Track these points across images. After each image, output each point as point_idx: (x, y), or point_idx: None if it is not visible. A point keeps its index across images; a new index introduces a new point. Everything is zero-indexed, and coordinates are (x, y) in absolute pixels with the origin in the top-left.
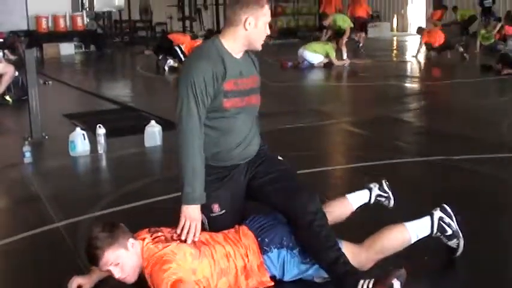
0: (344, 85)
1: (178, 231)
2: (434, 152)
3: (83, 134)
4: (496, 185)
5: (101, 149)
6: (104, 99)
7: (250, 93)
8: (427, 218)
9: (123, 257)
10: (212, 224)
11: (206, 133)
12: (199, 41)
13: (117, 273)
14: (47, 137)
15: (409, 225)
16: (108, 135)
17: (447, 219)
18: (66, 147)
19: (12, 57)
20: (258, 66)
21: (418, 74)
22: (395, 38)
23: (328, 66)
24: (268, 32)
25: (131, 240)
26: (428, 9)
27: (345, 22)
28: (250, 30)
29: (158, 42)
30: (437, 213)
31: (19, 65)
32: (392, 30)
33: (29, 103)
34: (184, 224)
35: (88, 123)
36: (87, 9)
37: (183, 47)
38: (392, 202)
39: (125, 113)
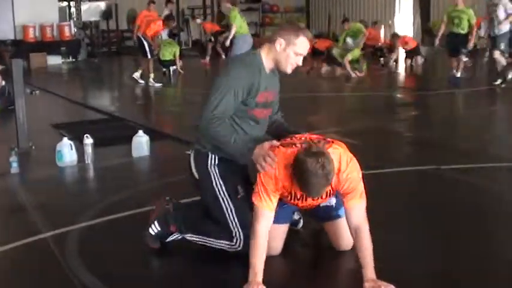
0: (332, 95)
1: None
2: (423, 162)
3: (70, 144)
4: (484, 194)
5: (88, 159)
6: (91, 109)
7: (270, 106)
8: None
9: None
10: (240, 205)
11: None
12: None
13: None
14: (33, 147)
15: None
16: (95, 145)
17: None
18: (53, 157)
19: None
20: (278, 83)
21: (406, 85)
22: None
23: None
24: (299, 63)
25: None
26: (416, 19)
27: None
28: (278, 51)
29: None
30: None
31: (6, 74)
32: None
33: (16, 113)
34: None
35: (75, 133)
36: (75, 18)
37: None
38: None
39: (112, 122)
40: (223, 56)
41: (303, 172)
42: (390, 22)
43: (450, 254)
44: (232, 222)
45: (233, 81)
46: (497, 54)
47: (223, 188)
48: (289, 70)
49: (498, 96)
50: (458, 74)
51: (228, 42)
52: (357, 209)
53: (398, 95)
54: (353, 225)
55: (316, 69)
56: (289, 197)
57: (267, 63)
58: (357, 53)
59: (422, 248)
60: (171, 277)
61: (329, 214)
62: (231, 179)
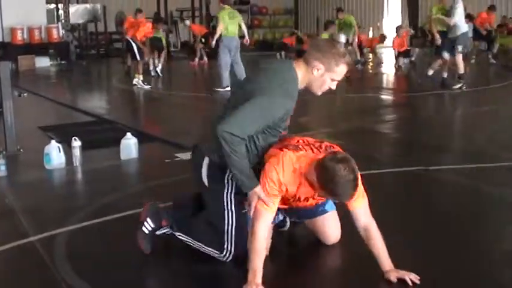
0: (320, 97)
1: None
2: (410, 163)
3: (58, 147)
4: (474, 195)
5: (76, 161)
6: (80, 111)
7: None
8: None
9: None
10: (241, 223)
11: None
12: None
13: None
14: (21, 150)
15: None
16: (83, 147)
17: None
18: (41, 160)
19: None
20: None
21: (394, 86)
22: None
23: None
24: (333, 87)
25: None
26: (404, 21)
27: None
28: (315, 76)
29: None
30: None
31: None
32: None
33: (4, 116)
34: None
35: (63, 136)
36: (63, 21)
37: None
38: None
39: (101, 125)
40: (205, 58)
41: (333, 178)
42: (378, 24)
43: (441, 254)
44: (228, 235)
45: (274, 111)
46: (457, 56)
47: (233, 203)
48: (319, 93)
49: (487, 97)
50: (445, 75)
51: (213, 43)
52: (362, 208)
53: (387, 96)
54: (362, 225)
55: None
56: (291, 199)
57: (301, 83)
58: None
59: (411, 250)
60: (161, 279)
61: (315, 211)
62: (242, 195)
